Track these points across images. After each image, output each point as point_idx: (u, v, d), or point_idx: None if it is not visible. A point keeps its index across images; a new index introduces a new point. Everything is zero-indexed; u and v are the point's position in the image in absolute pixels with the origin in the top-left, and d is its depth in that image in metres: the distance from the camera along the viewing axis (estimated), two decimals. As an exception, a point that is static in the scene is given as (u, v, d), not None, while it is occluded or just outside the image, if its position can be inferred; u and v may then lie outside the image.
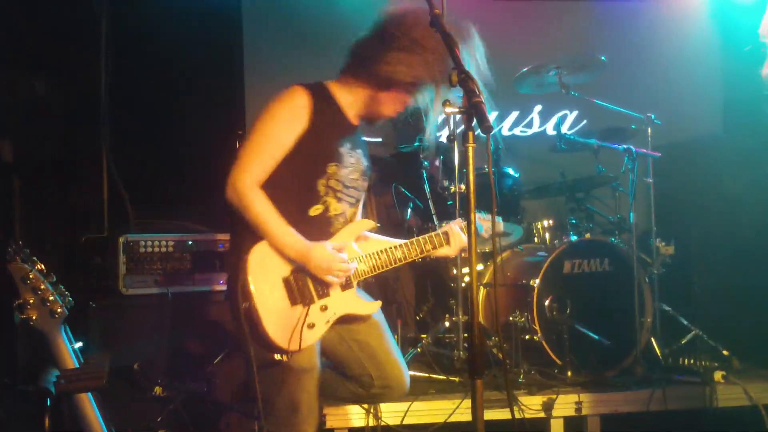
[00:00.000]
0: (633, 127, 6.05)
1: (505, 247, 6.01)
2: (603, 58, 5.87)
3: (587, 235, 5.76)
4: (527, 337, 5.40)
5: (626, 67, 7.28)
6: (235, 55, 6.84)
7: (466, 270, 5.58)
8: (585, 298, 5.46)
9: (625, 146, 5.66)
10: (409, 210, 6.04)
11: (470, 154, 2.57)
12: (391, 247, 3.72)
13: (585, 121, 7.42)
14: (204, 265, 5.11)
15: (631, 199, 5.60)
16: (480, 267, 6.21)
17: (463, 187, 5.66)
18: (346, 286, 3.59)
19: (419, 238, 3.79)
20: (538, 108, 7.50)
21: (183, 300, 4.98)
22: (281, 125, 3.43)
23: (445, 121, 5.55)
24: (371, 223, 3.77)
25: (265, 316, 3.33)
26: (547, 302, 5.35)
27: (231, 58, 6.81)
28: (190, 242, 5.07)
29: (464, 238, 3.83)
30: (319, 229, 3.54)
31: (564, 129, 7.42)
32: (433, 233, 3.84)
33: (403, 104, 3.67)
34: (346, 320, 3.63)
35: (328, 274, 3.43)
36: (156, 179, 6.19)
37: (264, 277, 3.38)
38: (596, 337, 5.30)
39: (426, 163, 5.88)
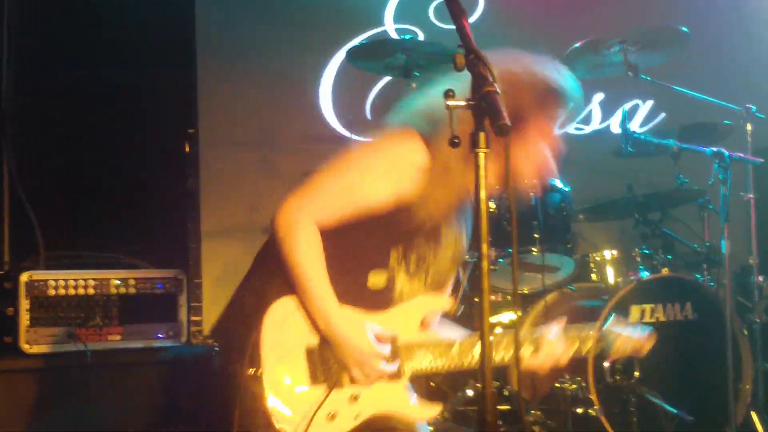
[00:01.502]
0: (727, 123, 6.03)
1: (551, 287, 5.94)
2: (685, 29, 5.82)
3: (664, 271, 5.70)
4: (580, 410, 5.34)
5: (716, 43, 7.26)
6: (185, 35, 6.88)
7: (494, 319, 5.55)
8: (659, 357, 5.36)
9: (714, 149, 5.59)
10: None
11: (481, 162, 2.50)
12: (469, 341, 3.54)
13: (663, 115, 7.41)
14: (137, 313, 5.08)
15: (722, 221, 5.53)
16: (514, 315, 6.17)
17: (493, 205, 5.61)
18: (393, 375, 3.52)
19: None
20: (599, 97, 7.51)
21: (107, 360, 4.92)
22: (382, 178, 3.37)
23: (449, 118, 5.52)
24: (447, 303, 3.65)
25: (273, 392, 3.30)
26: (607, 363, 5.28)
27: (179, 39, 6.85)
28: (118, 282, 5.04)
29: (561, 348, 3.68)
30: (372, 304, 3.47)
31: (634, 125, 7.42)
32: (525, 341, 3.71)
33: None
34: (377, 426, 3.56)
35: (359, 368, 3.38)
36: (76, 199, 6.18)
37: (283, 339, 3.34)
38: (675, 410, 5.23)
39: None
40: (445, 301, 3.64)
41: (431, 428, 5.37)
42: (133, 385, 4.97)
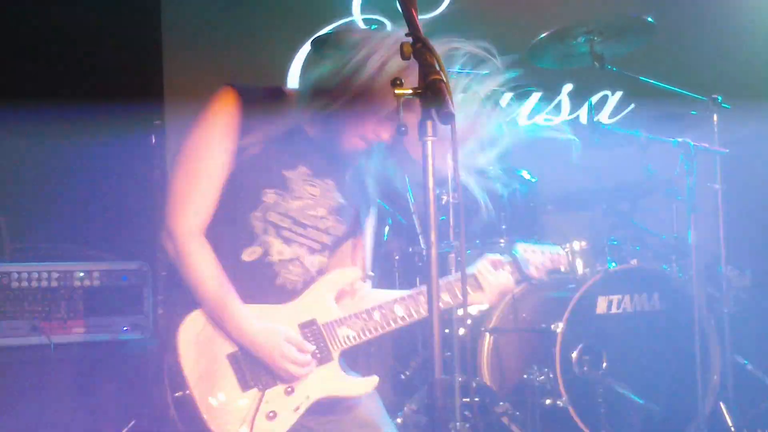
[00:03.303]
0: (693, 113, 6.05)
1: (519, 280, 5.97)
2: (650, 19, 5.86)
3: (633, 261, 5.74)
4: (548, 401, 5.36)
5: (683, 32, 7.30)
6: (150, 24, 6.87)
7: (468, 311, 5.56)
8: (627, 348, 5.44)
9: (680, 140, 5.63)
10: (387, 228, 6.01)
11: (429, 150, 2.52)
12: (388, 302, 3.63)
13: (632, 105, 7.43)
14: (101, 305, 5.06)
15: (689, 212, 5.57)
16: (485, 306, 6.19)
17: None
18: (323, 359, 3.50)
19: (423, 287, 3.71)
20: (567, 88, 7.52)
21: (71, 354, 4.91)
22: (214, 141, 3.41)
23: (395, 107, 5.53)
24: (356, 273, 3.70)
25: (206, 408, 3.30)
26: (574, 354, 5.33)
27: (144, 27, 6.83)
28: (81, 273, 5.03)
29: (504, 280, 3.89)
30: (259, 279, 3.48)
31: (603, 116, 7.45)
32: (451, 277, 3.80)
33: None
34: (322, 408, 3.57)
35: (282, 370, 3.39)
36: (40, 191, 6.16)
37: (202, 354, 3.33)
38: (642, 401, 5.27)
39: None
40: (353, 271, 3.69)
41: (400, 420, 5.43)
42: (97, 379, 4.95)
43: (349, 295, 3.71)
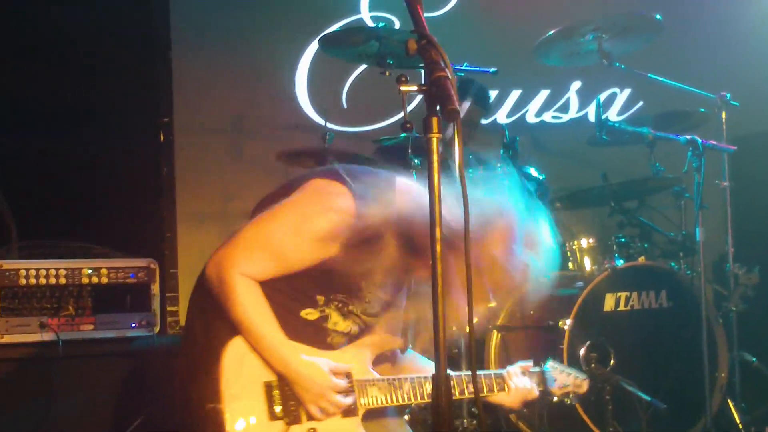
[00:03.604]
0: (702, 110, 6.05)
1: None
2: (658, 17, 5.86)
3: (641, 259, 5.74)
4: (555, 399, 5.33)
5: (691, 29, 7.29)
6: (159, 22, 6.87)
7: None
8: (634, 346, 5.44)
9: (688, 137, 5.63)
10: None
11: (434, 146, 2.53)
12: (420, 378, 3.68)
13: (641, 103, 7.44)
14: (109, 302, 5.06)
15: (696, 209, 5.57)
16: (493, 303, 6.19)
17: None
18: (349, 412, 3.56)
19: (461, 374, 3.80)
20: (576, 85, 7.53)
21: (79, 351, 4.92)
22: (306, 248, 3.40)
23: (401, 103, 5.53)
24: (398, 343, 3.77)
25: (231, 425, 3.33)
26: (582, 351, 5.34)
27: (153, 25, 6.84)
28: (90, 271, 5.04)
29: (529, 387, 3.98)
30: (310, 333, 3.53)
31: (612, 114, 7.45)
32: (483, 373, 3.88)
33: None
34: None
35: (315, 404, 3.44)
36: (49, 188, 6.17)
37: (240, 376, 3.39)
38: (649, 398, 5.25)
39: (418, 161, 5.86)
40: (395, 341, 3.74)
41: (407, 417, 5.43)
42: (105, 375, 4.96)
43: (388, 361, 3.80)
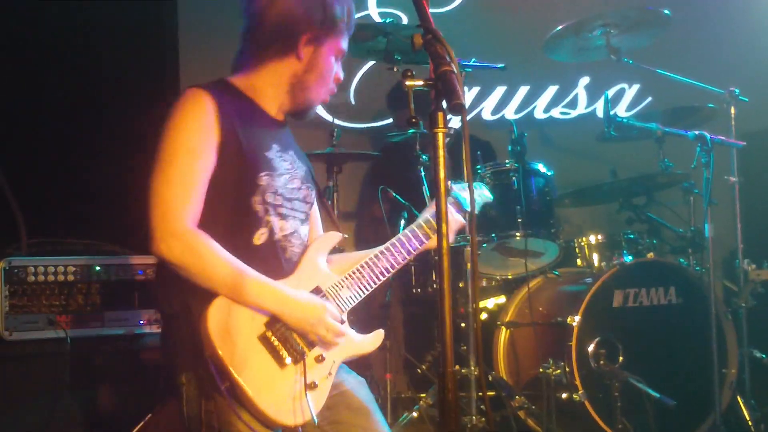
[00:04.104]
0: (710, 105, 6.04)
1: (535, 272, 5.99)
2: (666, 12, 5.86)
3: (650, 255, 5.74)
4: (564, 395, 5.38)
5: (700, 24, 7.29)
6: (166, 18, 6.89)
7: (480, 305, 5.57)
8: (643, 342, 5.44)
9: (696, 132, 5.63)
10: (403, 222, 6.03)
11: (440, 142, 2.54)
12: (371, 258, 3.76)
13: (649, 99, 7.43)
14: (117, 299, 5.06)
15: (705, 205, 5.57)
16: (502, 299, 6.21)
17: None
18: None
19: (399, 235, 3.85)
20: (584, 81, 7.54)
21: (88, 347, 4.93)
22: (196, 137, 3.45)
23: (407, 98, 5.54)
24: (338, 236, 3.80)
25: (257, 393, 3.34)
26: (591, 347, 5.34)
27: (160, 21, 6.85)
28: (98, 268, 5.04)
29: (457, 215, 4.02)
30: (271, 260, 3.56)
31: (620, 110, 7.46)
32: (414, 225, 3.89)
33: (328, 75, 3.74)
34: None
35: (314, 332, 3.47)
36: (57, 185, 6.18)
37: (236, 342, 3.36)
38: (658, 395, 5.26)
39: (425, 157, 5.86)
40: (336, 235, 3.79)
41: (416, 414, 5.45)
42: (113, 372, 4.97)
43: (332, 261, 3.80)
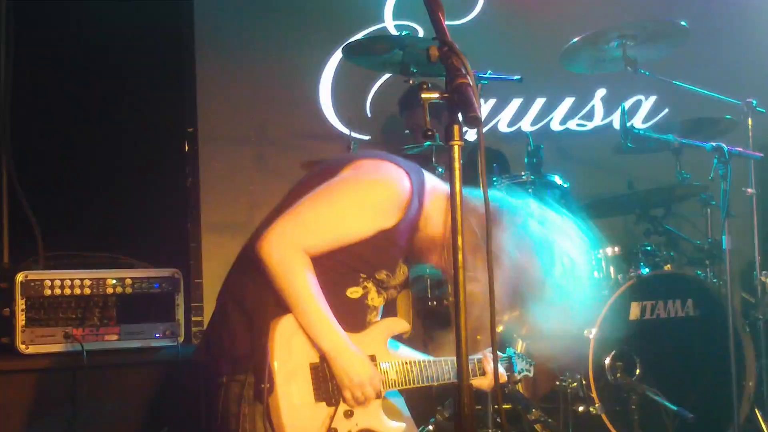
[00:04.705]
0: (727, 117, 6.02)
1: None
2: (684, 23, 5.84)
3: (667, 267, 5.72)
4: (581, 408, 5.35)
5: (717, 36, 7.27)
6: (184, 33, 6.89)
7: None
8: (661, 355, 5.42)
9: (713, 144, 5.60)
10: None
11: (456, 154, 2.53)
12: (423, 363, 3.80)
13: (666, 110, 7.42)
14: (134, 312, 5.06)
15: (723, 217, 5.54)
16: (518, 312, 6.18)
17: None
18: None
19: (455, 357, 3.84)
20: (601, 93, 7.52)
21: (104, 361, 4.93)
22: (368, 217, 3.53)
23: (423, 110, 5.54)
24: (405, 326, 3.85)
25: (287, 408, 3.41)
26: (608, 360, 5.33)
27: (178, 36, 6.86)
28: (114, 281, 5.05)
29: (501, 372, 4.08)
30: (354, 315, 3.64)
31: (637, 121, 7.44)
32: (474, 357, 3.94)
33: None
34: None
35: (352, 391, 3.51)
36: (74, 199, 6.20)
37: (290, 357, 3.47)
38: (675, 408, 5.24)
39: (441, 169, 5.86)
40: (405, 324, 3.83)
41: (432, 427, 5.44)
42: (129, 385, 4.97)
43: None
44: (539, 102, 7.49)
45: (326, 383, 3.49)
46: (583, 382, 5.30)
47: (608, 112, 7.51)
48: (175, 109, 6.69)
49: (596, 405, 5.24)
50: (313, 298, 3.43)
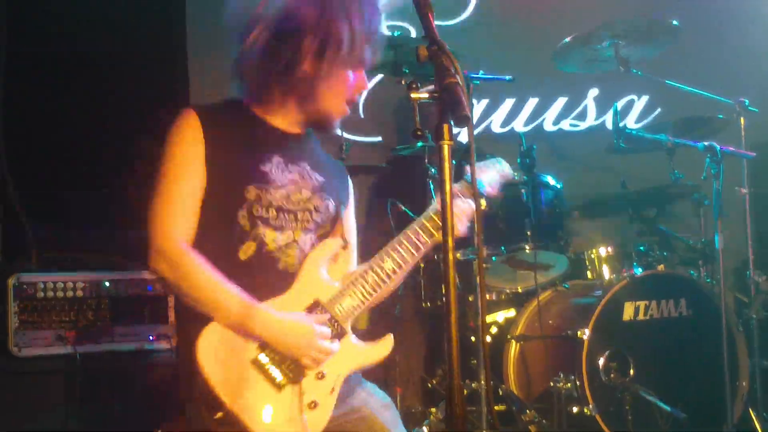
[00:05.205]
0: (720, 116, 6.04)
1: (545, 285, 5.97)
2: (675, 22, 5.87)
3: (660, 267, 5.73)
4: (575, 409, 5.36)
5: (709, 35, 7.28)
6: (176, 31, 6.89)
7: (490, 319, 5.57)
8: (654, 355, 5.43)
9: (706, 143, 5.62)
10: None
11: (445, 154, 2.53)
12: (375, 261, 3.61)
13: (659, 110, 7.43)
14: (127, 314, 5.07)
15: (716, 216, 5.56)
16: (512, 313, 6.20)
17: (484, 203, 5.66)
18: (337, 334, 3.55)
19: (406, 230, 3.66)
20: (593, 93, 7.53)
21: (98, 363, 4.94)
22: (181, 156, 3.48)
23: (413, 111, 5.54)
24: (337, 242, 3.67)
25: (253, 421, 3.29)
26: (601, 361, 5.33)
27: (170, 33, 6.86)
28: (107, 283, 5.05)
29: (469, 202, 3.75)
30: (259, 274, 3.48)
31: (630, 121, 7.45)
32: (422, 217, 3.69)
33: (344, 85, 3.71)
34: (343, 391, 3.57)
35: (307, 357, 3.42)
36: (67, 201, 6.19)
37: (228, 368, 3.31)
38: (669, 408, 5.25)
39: (434, 170, 5.86)
40: (333, 242, 3.65)
41: (426, 428, 5.44)
42: (123, 388, 4.97)
43: (337, 267, 3.69)
44: (532, 102, 7.49)
45: (278, 366, 3.36)
46: (577, 382, 5.30)
47: (601, 112, 7.51)
48: (167, 110, 6.67)
49: (590, 405, 5.25)
50: (214, 287, 3.31)
